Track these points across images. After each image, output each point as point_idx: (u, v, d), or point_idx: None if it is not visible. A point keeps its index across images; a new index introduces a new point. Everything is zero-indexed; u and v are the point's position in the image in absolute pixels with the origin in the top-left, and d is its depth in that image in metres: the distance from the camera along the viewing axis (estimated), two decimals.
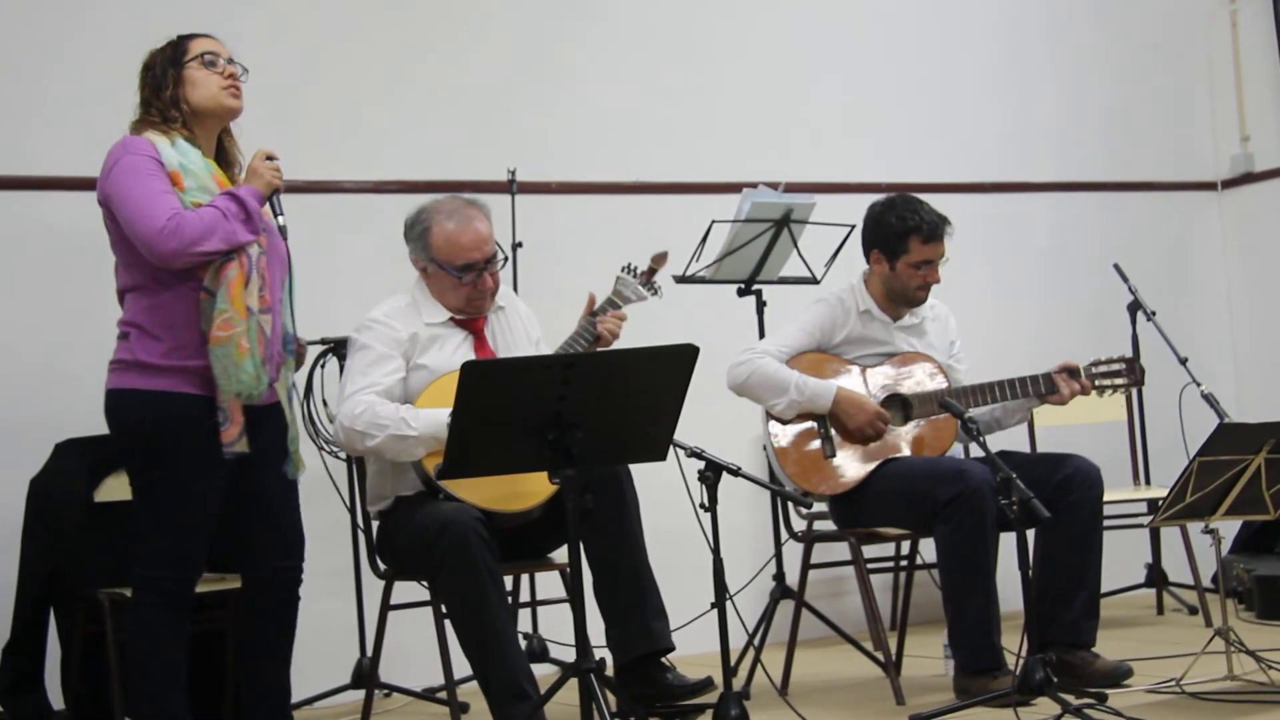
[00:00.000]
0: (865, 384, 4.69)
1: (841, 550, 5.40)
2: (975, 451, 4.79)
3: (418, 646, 4.62)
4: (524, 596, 5.29)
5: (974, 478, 4.34)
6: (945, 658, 4.56)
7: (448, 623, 4.06)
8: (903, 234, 4.65)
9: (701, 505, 3.82)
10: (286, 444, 3.98)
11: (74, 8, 5.04)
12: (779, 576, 5.03)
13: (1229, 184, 7.16)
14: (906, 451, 4.62)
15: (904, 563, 5.40)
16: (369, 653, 4.63)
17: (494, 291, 4.32)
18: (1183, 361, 5.21)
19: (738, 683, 4.44)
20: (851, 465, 4.61)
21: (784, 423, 4.63)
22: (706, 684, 4.10)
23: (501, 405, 3.61)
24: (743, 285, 5.05)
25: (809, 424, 4.63)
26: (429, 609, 4.18)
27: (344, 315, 4.33)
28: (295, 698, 4.32)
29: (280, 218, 3.87)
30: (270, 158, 3.89)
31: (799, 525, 5.23)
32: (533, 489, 4.08)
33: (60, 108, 4.98)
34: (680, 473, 3.89)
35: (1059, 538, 4.46)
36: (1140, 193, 7.02)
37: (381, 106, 5.51)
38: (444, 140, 5.59)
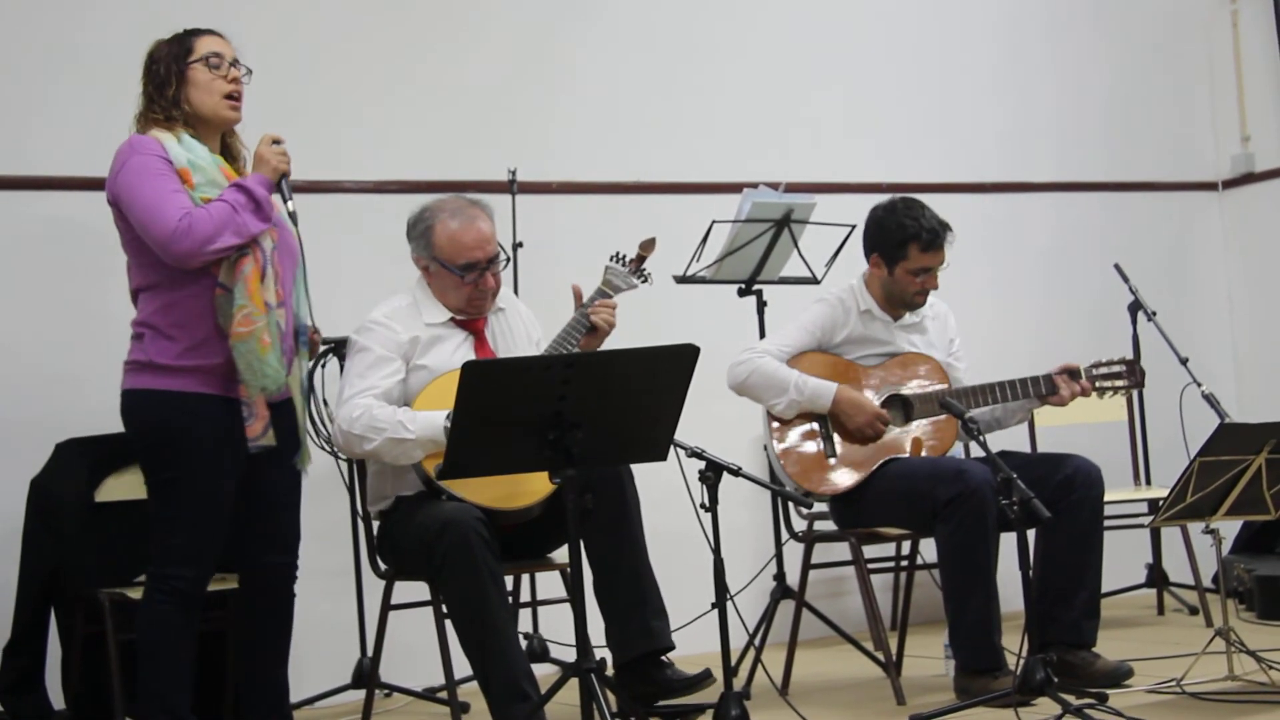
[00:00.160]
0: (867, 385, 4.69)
1: (842, 550, 5.40)
2: (976, 452, 4.80)
3: (418, 646, 4.63)
4: (524, 596, 5.29)
5: (974, 478, 4.34)
6: (946, 658, 4.56)
7: (448, 623, 4.06)
8: (902, 241, 4.65)
9: (702, 505, 3.82)
10: (296, 437, 4.00)
11: (75, 8, 5.04)
12: (779, 576, 5.03)
13: (1230, 184, 7.16)
14: (907, 452, 4.62)
15: (904, 563, 5.40)
16: (369, 653, 4.63)
17: (495, 292, 4.32)
18: (1183, 362, 5.21)
19: (738, 683, 4.44)
20: (852, 465, 4.61)
21: (784, 423, 4.63)
22: (705, 677, 4.09)
23: (502, 405, 3.61)
24: (743, 285, 5.05)
25: (810, 424, 4.63)
26: (429, 609, 4.18)
27: (344, 315, 4.33)
28: (296, 697, 4.33)
29: (289, 203, 3.86)
30: (276, 141, 3.88)
31: (799, 525, 5.23)
32: (532, 488, 4.08)
33: (61, 108, 4.98)
34: (681, 473, 3.89)
35: (1060, 538, 4.47)
36: (1141, 193, 7.01)
37: (381, 106, 5.51)
38: (444, 140, 5.59)
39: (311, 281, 4.02)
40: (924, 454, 4.63)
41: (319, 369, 4.90)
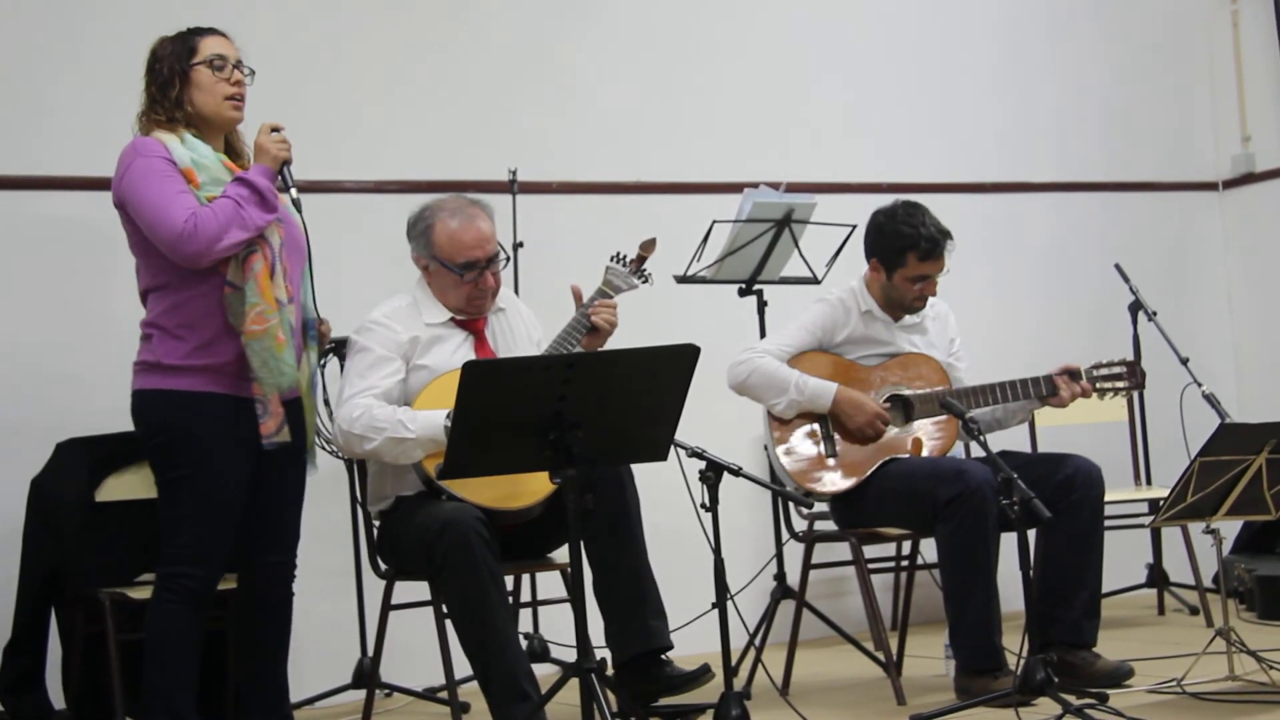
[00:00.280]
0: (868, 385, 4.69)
1: (842, 550, 5.40)
2: (977, 452, 4.80)
3: (419, 646, 4.63)
4: (525, 596, 5.29)
5: (974, 478, 4.34)
6: (946, 658, 4.56)
7: (448, 622, 4.06)
8: (900, 249, 4.65)
9: (702, 505, 3.82)
10: (304, 434, 4.01)
11: (76, 9, 5.04)
12: (780, 576, 5.03)
13: (1230, 184, 7.15)
14: (907, 452, 4.62)
15: (905, 563, 5.40)
16: (370, 652, 4.63)
17: (495, 291, 4.32)
18: (1184, 362, 5.21)
19: (739, 683, 4.44)
20: (852, 465, 4.61)
21: (785, 422, 4.63)
22: (704, 672, 4.09)
23: (502, 405, 3.61)
24: (744, 285, 5.05)
25: (810, 424, 4.63)
26: (430, 609, 4.18)
27: (345, 315, 4.33)
28: (296, 697, 4.33)
29: (292, 190, 3.85)
30: (276, 129, 3.88)
31: (800, 525, 5.23)
32: (533, 488, 4.08)
33: (62, 108, 4.98)
34: (681, 473, 3.89)
35: (1060, 538, 4.47)
36: (1141, 193, 7.01)
37: (381, 106, 5.51)
38: (444, 140, 5.59)
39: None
40: (924, 454, 4.63)
41: (320, 370, 4.91)
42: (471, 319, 4.33)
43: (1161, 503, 4.20)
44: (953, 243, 4.69)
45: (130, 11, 5.02)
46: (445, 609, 4.06)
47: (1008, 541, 4.34)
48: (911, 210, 4.69)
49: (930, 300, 4.78)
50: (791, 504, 4.92)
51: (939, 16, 6.64)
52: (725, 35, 6.20)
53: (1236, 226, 7.13)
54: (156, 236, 3.77)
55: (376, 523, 4.36)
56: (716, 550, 3.81)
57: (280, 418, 3.84)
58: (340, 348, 4.65)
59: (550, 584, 5.07)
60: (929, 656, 4.95)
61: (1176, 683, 4.28)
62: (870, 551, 5.32)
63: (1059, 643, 4.42)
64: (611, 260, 4.33)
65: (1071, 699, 3.92)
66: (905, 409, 4.67)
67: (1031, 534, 4.22)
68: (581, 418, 3.62)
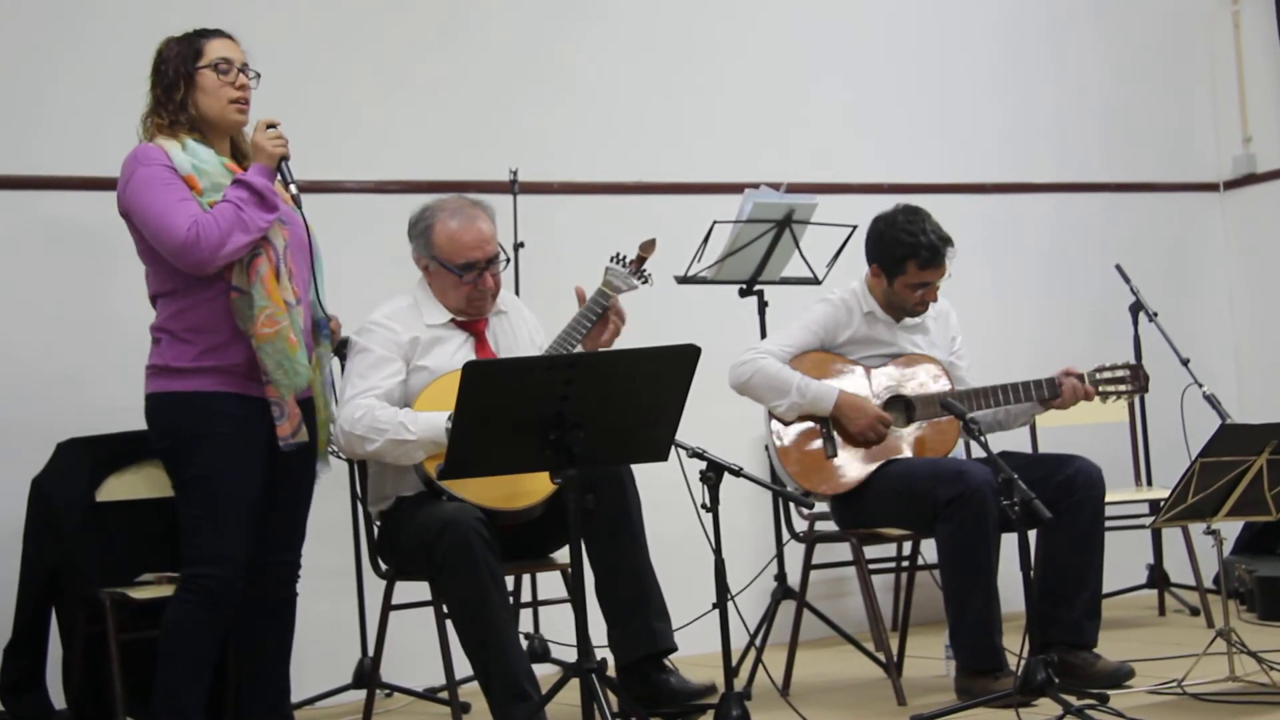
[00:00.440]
0: (869, 384, 4.68)
1: (843, 551, 5.39)
2: (977, 452, 4.79)
3: (419, 646, 4.63)
4: (525, 596, 5.29)
5: (975, 478, 4.34)
6: (946, 658, 4.55)
7: (449, 622, 4.06)
8: (900, 257, 4.64)
9: (703, 505, 3.82)
10: (315, 435, 4.02)
11: (76, 9, 5.04)
12: (780, 577, 5.02)
13: (1231, 185, 7.15)
14: (908, 453, 4.62)
15: (905, 563, 5.40)
16: (370, 652, 4.63)
17: (495, 292, 4.31)
18: (1185, 362, 5.21)
19: (739, 683, 4.44)
20: (853, 466, 4.61)
21: (786, 423, 4.63)
22: (709, 691, 4.09)
23: (503, 405, 3.61)
24: (744, 286, 5.05)
25: (811, 425, 4.62)
26: (430, 609, 4.18)
27: (345, 316, 4.32)
28: (296, 697, 4.33)
29: (292, 186, 3.84)
30: (272, 125, 3.87)
31: (800, 526, 5.23)
32: (533, 487, 4.08)
33: (62, 107, 4.98)
34: (682, 473, 3.89)
35: (1061, 538, 4.46)
36: (1142, 193, 7.01)
37: (382, 106, 5.51)
38: (445, 140, 5.59)
39: None
40: (926, 455, 4.63)
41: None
42: (472, 320, 4.33)
43: (1162, 503, 4.20)
44: (954, 249, 4.67)
45: (131, 11, 5.02)
46: (446, 609, 4.06)
47: (1008, 542, 4.34)
48: (911, 217, 4.68)
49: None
50: (792, 504, 4.92)
51: (939, 16, 6.64)
52: (725, 35, 6.20)
53: (1237, 227, 7.13)
54: (161, 246, 3.78)
55: (377, 523, 4.36)
56: (717, 551, 3.81)
57: (298, 419, 3.86)
58: (341, 348, 4.65)
59: (551, 584, 5.07)
60: (929, 657, 4.95)
61: (1177, 683, 4.28)
62: (871, 552, 5.32)
63: (1059, 643, 4.41)
64: (611, 261, 4.32)
65: (1072, 700, 3.92)
66: (907, 410, 4.66)
67: (1032, 534, 4.22)
68: (582, 418, 3.62)
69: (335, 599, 5.01)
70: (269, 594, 4.01)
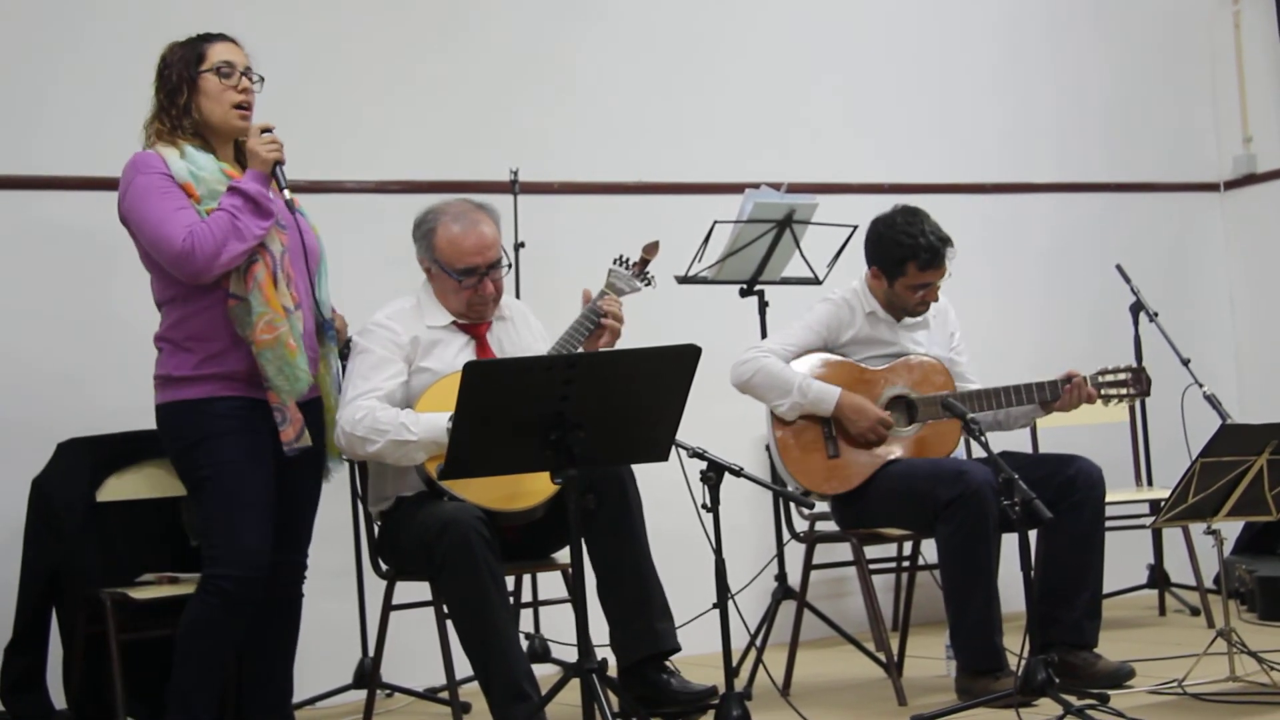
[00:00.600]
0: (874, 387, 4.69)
1: (843, 551, 5.39)
2: (978, 452, 4.79)
3: (420, 646, 4.62)
4: (526, 596, 5.29)
5: (975, 478, 4.34)
6: (947, 658, 4.55)
7: (449, 623, 4.06)
8: (900, 259, 4.64)
9: (704, 505, 3.82)
10: (325, 440, 4.05)
11: (76, 9, 5.04)
12: (781, 577, 5.02)
13: (1231, 185, 7.15)
14: (909, 453, 4.62)
15: (906, 563, 5.40)
16: (371, 653, 4.63)
17: (496, 298, 4.30)
18: (1185, 363, 5.21)
19: (740, 683, 4.45)
20: (854, 466, 4.60)
21: (787, 423, 4.62)
22: (710, 693, 4.08)
23: (503, 405, 3.61)
24: (745, 286, 5.05)
25: (812, 425, 4.62)
26: (431, 609, 4.18)
27: (346, 317, 4.32)
28: (297, 697, 4.33)
29: (285, 190, 3.84)
30: (267, 129, 3.87)
31: (801, 526, 5.23)
32: (534, 488, 4.07)
33: (63, 108, 4.98)
34: (682, 473, 3.89)
35: (1061, 538, 4.46)
36: (1142, 194, 7.01)
37: (382, 107, 5.51)
38: (445, 140, 5.59)
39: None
40: (926, 455, 4.63)
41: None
42: (473, 324, 4.32)
43: (1163, 503, 4.20)
44: (953, 249, 4.67)
45: (131, 11, 5.02)
46: (446, 609, 4.06)
47: (1009, 542, 4.34)
48: (910, 218, 4.68)
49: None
50: (792, 504, 4.92)
51: (939, 16, 6.64)
52: (725, 35, 6.20)
53: (1238, 227, 7.13)
54: (158, 255, 3.81)
55: (377, 523, 4.35)
56: (717, 551, 3.81)
57: (300, 424, 3.86)
58: (346, 348, 4.65)
59: (552, 584, 5.07)
60: (930, 657, 4.95)
61: (1178, 683, 4.28)
62: (871, 552, 5.32)
63: (1060, 643, 4.41)
64: (614, 263, 4.32)
65: (1072, 700, 3.92)
66: (908, 410, 4.66)
67: (1032, 534, 4.22)
68: (583, 418, 3.62)
69: (336, 599, 5.00)
70: (275, 594, 4.00)
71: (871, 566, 5.27)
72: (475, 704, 4.46)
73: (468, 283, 4.23)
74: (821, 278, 5.05)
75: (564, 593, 4.43)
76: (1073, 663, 4.40)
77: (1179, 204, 7.11)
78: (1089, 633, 4.48)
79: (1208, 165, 7.17)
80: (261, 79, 3.97)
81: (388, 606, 4.35)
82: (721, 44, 6.19)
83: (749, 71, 6.21)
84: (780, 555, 5.05)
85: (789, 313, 4.87)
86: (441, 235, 4.24)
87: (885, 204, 4.80)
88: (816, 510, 5.21)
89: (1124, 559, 5.85)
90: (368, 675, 4.63)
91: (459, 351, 4.25)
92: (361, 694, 4.71)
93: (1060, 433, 5.76)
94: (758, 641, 4.80)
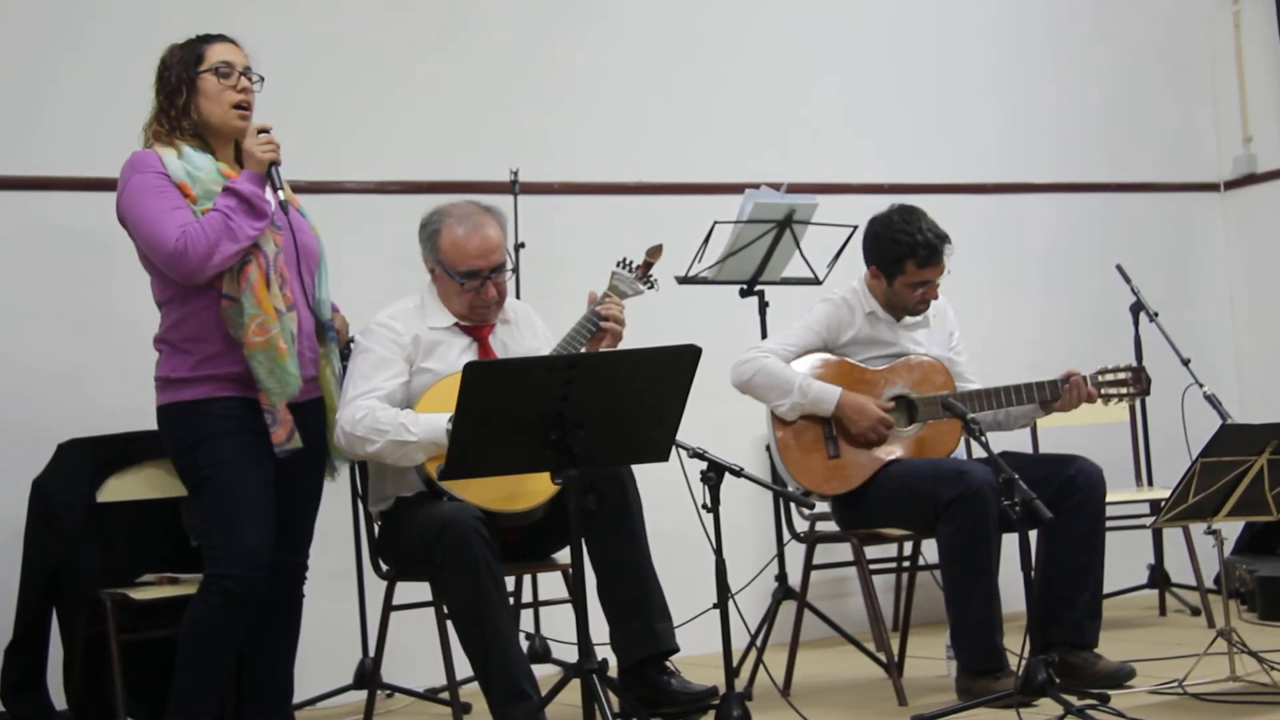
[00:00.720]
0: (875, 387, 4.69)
1: (844, 551, 5.39)
2: (978, 452, 4.79)
3: (420, 647, 4.62)
4: (526, 597, 5.28)
5: (976, 478, 4.34)
6: (947, 659, 4.55)
7: (450, 623, 4.06)
8: (898, 257, 4.64)
9: (704, 506, 3.82)
10: (326, 440, 4.05)
11: (76, 9, 5.04)
12: (781, 577, 5.02)
13: (1231, 185, 7.15)
14: (909, 453, 4.61)
15: (906, 563, 5.40)
16: (371, 653, 4.63)
17: (498, 301, 4.29)
18: (1185, 363, 5.21)
19: (740, 683, 4.45)
20: (854, 466, 4.60)
21: (787, 423, 4.62)
22: (711, 694, 4.08)
23: (504, 405, 3.61)
24: (745, 286, 5.05)
25: (813, 425, 4.62)
26: (431, 609, 4.18)
27: (347, 317, 4.32)
28: (297, 698, 4.33)
29: (279, 192, 3.83)
30: (263, 130, 3.86)
31: (801, 526, 5.23)
32: (534, 488, 4.07)
33: (63, 108, 4.98)
34: (683, 473, 3.89)
35: (1061, 539, 4.46)
36: (1142, 194, 7.01)
37: (382, 107, 5.51)
38: (445, 140, 5.59)
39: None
40: (926, 455, 4.63)
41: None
42: (476, 326, 4.31)
43: (1163, 503, 4.20)
44: (951, 246, 4.67)
45: (130, 12, 5.02)
46: (446, 609, 4.06)
47: (1009, 542, 4.34)
48: (908, 217, 4.68)
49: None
50: (793, 505, 4.92)
51: (939, 16, 6.64)
52: (725, 35, 6.20)
53: (1238, 227, 7.13)
54: (153, 255, 3.81)
55: (377, 523, 4.35)
56: (718, 551, 3.81)
57: (290, 426, 3.85)
58: (347, 348, 4.65)
59: (552, 584, 5.07)
60: (930, 657, 4.95)
61: (1178, 683, 4.28)
62: (872, 552, 5.32)
63: (1060, 643, 4.41)
64: (618, 265, 4.32)
65: (1073, 700, 3.92)
66: (909, 411, 4.66)
67: (1033, 535, 4.22)
68: (583, 418, 3.62)
69: (336, 599, 5.00)
70: (275, 595, 4.00)
71: (872, 567, 5.26)
72: (475, 704, 4.46)
73: (470, 285, 4.23)
74: (822, 278, 5.05)
75: (564, 593, 4.43)
76: (1073, 663, 4.40)
77: (1179, 204, 7.11)
78: (1089, 633, 4.48)
79: (1208, 165, 7.17)
80: (261, 79, 3.97)
81: (388, 607, 4.35)
82: (721, 44, 6.19)
83: (749, 71, 6.21)
84: (780, 555, 5.05)
85: (789, 313, 4.87)
86: (446, 237, 4.24)
87: (885, 204, 4.80)
88: (817, 510, 5.21)
89: (1124, 559, 5.85)
90: (368, 675, 4.63)
91: (461, 353, 4.25)
92: (362, 694, 4.71)
93: (1060, 433, 5.76)
94: (758, 642, 4.80)
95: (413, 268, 4.38)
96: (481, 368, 3.69)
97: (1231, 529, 6.32)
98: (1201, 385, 5.08)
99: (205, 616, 3.84)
